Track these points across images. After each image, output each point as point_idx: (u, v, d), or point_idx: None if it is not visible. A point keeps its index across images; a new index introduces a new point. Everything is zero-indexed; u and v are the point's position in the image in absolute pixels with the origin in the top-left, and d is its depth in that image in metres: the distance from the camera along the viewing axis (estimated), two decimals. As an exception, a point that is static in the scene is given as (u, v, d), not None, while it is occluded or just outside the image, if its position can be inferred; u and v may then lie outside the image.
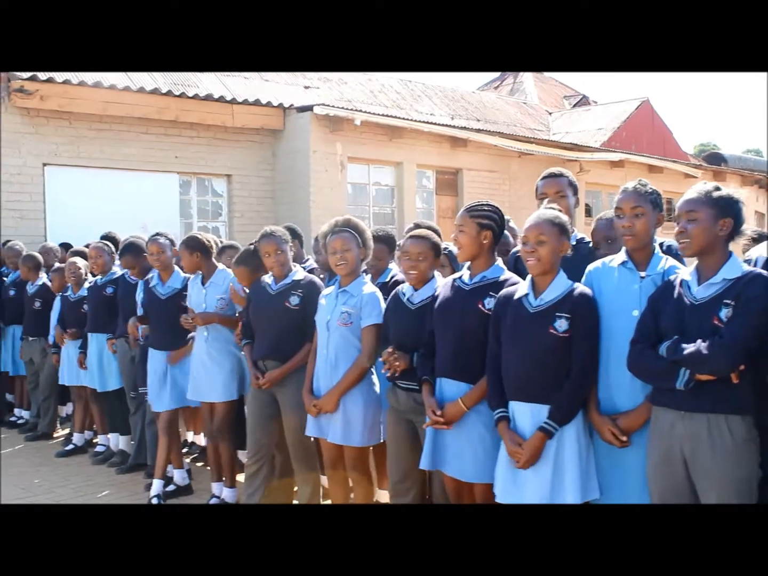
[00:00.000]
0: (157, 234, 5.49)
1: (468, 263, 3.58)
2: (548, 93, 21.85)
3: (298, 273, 4.61)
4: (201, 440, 6.43)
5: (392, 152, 12.98)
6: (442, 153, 13.62)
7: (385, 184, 13.36)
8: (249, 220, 11.78)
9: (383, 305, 4.08)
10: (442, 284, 3.70)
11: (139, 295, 5.76)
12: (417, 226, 4.18)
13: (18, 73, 9.81)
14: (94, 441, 6.93)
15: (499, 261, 3.58)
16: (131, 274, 5.93)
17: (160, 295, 5.46)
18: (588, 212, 16.10)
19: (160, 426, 5.47)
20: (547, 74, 23.29)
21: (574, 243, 3.50)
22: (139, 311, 5.71)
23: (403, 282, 4.47)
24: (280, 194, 12.24)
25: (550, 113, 20.00)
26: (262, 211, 12.07)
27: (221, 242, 5.77)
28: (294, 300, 4.46)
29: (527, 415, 3.12)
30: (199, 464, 6.33)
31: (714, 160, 21.34)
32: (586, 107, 20.85)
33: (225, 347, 5.06)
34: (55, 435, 7.49)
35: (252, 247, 4.77)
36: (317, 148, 11.96)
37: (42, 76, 9.93)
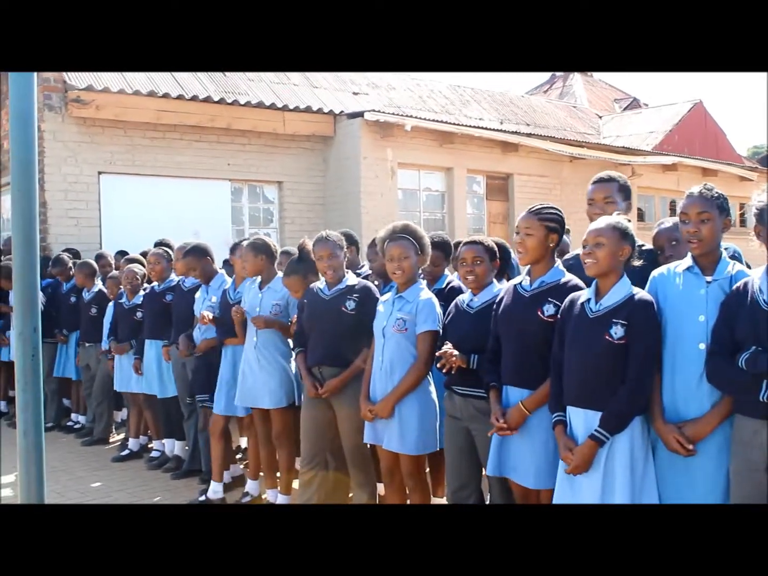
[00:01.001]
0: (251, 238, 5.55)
1: (527, 267, 3.57)
2: (598, 96, 21.61)
3: (351, 278, 4.61)
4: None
5: (442, 157, 12.95)
6: (492, 158, 13.55)
7: (436, 189, 13.33)
8: (299, 226, 11.84)
9: (440, 312, 4.07)
10: (504, 289, 3.71)
11: (204, 302, 5.79)
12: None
13: (74, 83, 10.01)
14: (150, 446, 7.01)
15: (559, 263, 3.57)
16: (194, 276, 5.92)
17: (231, 300, 5.50)
18: (640, 217, 15.86)
19: (214, 430, 5.51)
20: (596, 76, 23.05)
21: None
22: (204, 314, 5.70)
23: (459, 288, 4.50)
24: (330, 201, 12.29)
25: (600, 117, 19.77)
26: (312, 218, 12.13)
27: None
28: (350, 304, 4.45)
29: (581, 420, 3.12)
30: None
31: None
32: (636, 110, 20.57)
33: (274, 354, 5.08)
34: (110, 440, 7.60)
35: (297, 256, 4.84)
36: (368, 154, 11.98)
37: (97, 85, 10.12)
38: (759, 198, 2.94)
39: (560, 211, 3.55)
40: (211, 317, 5.38)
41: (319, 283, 4.64)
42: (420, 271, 4.31)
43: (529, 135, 14.13)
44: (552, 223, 3.46)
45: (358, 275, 4.94)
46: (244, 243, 5.39)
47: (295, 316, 4.86)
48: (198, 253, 5.82)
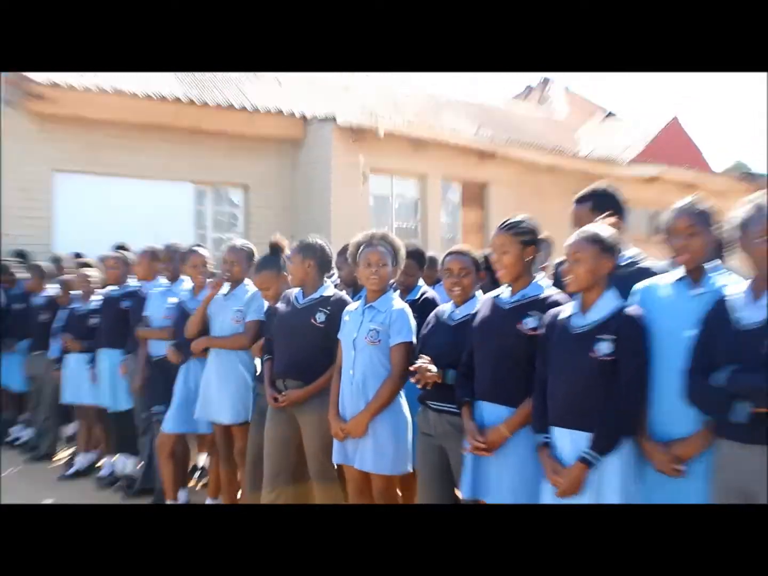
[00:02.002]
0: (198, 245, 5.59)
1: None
2: (576, 107, 21.79)
3: (329, 289, 4.56)
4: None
5: (416, 164, 12.94)
6: (468, 165, 13.57)
7: (409, 197, 13.31)
8: (266, 232, 11.62)
9: (413, 323, 4.06)
10: (482, 302, 3.71)
11: (162, 306, 5.72)
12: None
13: (30, 75, 9.80)
14: (98, 464, 6.82)
15: (540, 277, 3.58)
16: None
17: (190, 311, 5.40)
18: (619, 230, 15.97)
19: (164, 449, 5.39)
20: (573, 90, 23.27)
21: (626, 262, 3.44)
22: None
23: (433, 300, 4.50)
24: (298, 206, 12.22)
25: (578, 129, 19.93)
26: (279, 223, 12.02)
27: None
28: (320, 317, 4.40)
29: (568, 442, 3.09)
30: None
31: (748, 179, 21.21)
32: (614, 121, 20.78)
33: (235, 364, 5.04)
34: (56, 457, 7.39)
35: (269, 251, 4.85)
36: (339, 158, 11.92)
37: (56, 79, 9.92)
38: (743, 209, 2.92)
39: (532, 222, 3.55)
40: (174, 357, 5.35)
41: (296, 290, 4.58)
42: (392, 282, 4.28)
43: (506, 143, 14.16)
44: (526, 236, 3.49)
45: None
46: (199, 249, 5.43)
47: (262, 341, 4.78)
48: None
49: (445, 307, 3.98)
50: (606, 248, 3.14)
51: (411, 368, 3.73)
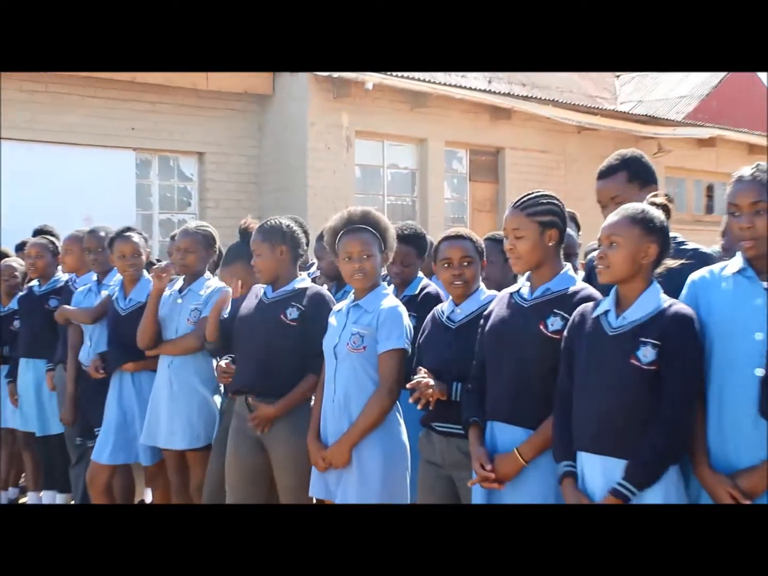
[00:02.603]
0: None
1: (527, 273, 3.57)
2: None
3: (305, 281, 4.56)
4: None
5: (414, 125, 12.96)
6: (478, 127, 13.61)
7: (405, 166, 13.35)
8: (226, 212, 11.78)
9: (409, 325, 4.05)
10: (496, 300, 3.69)
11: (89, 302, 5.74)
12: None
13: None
14: (22, 501, 6.87)
15: (568, 267, 3.56)
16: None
17: (121, 311, 5.44)
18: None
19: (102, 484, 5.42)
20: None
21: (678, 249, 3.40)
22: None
23: (437, 296, 4.54)
24: (267, 179, 12.26)
25: (618, 76, 19.98)
26: (243, 200, 12.08)
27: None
28: (292, 313, 4.38)
29: (598, 471, 3.08)
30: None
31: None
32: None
33: (192, 379, 5.07)
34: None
35: (239, 238, 4.88)
36: (317, 119, 11.95)
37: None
38: None
39: (555, 199, 3.54)
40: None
41: (263, 284, 4.60)
42: (384, 273, 4.30)
43: (525, 98, 14.19)
44: (547, 216, 3.46)
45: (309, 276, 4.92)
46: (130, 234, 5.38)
47: (225, 361, 4.77)
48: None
49: (442, 307, 4.00)
50: (652, 230, 3.12)
51: (408, 385, 3.74)
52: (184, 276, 5.22)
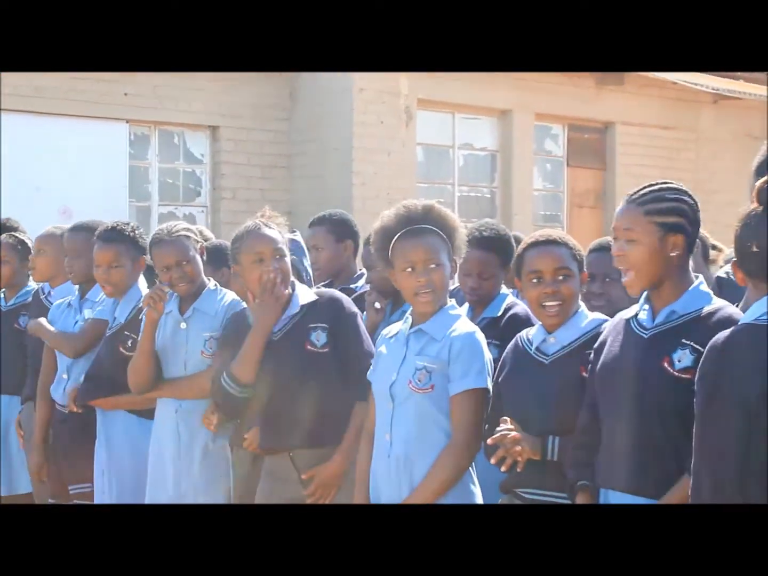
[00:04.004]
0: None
1: (644, 294, 3.56)
2: None
3: (303, 292, 4.60)
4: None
5: (494, 93, 12.97)
6: (579, 95, 13.57)
7: (482, 147, 13.35)
8: (246, 204, 11.79)
9: (489, 357, 4.02)
10: (609, 328, 3.68)
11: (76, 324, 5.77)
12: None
13: None
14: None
15: (701, 281, 3.54)
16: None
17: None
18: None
19: None
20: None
21: None
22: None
23: (527, 318, 4.49)
24: (299, 161, 12.34)
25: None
26: (267, 190, 12.14)
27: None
28: (318, 337, 4.41)
29: None
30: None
31: None
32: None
33: (208, 432, 5.07)
34: None
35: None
36: (366, 84, 12.00)
37: None
38: None
39: (686, 194, 3.53)
40: None
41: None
42: (453, 287, 4.32)
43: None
44: (671, 218, 3.45)
45: (353, 291, 4.91)
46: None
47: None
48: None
49: (528, 334, 3.99)
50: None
51: (489, 441, 3.74)
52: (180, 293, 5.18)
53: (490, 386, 3.95)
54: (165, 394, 5.16)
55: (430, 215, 4.06)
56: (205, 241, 5.46)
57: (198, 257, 5.13)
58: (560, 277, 3.83)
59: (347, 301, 4.56)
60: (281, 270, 4.61)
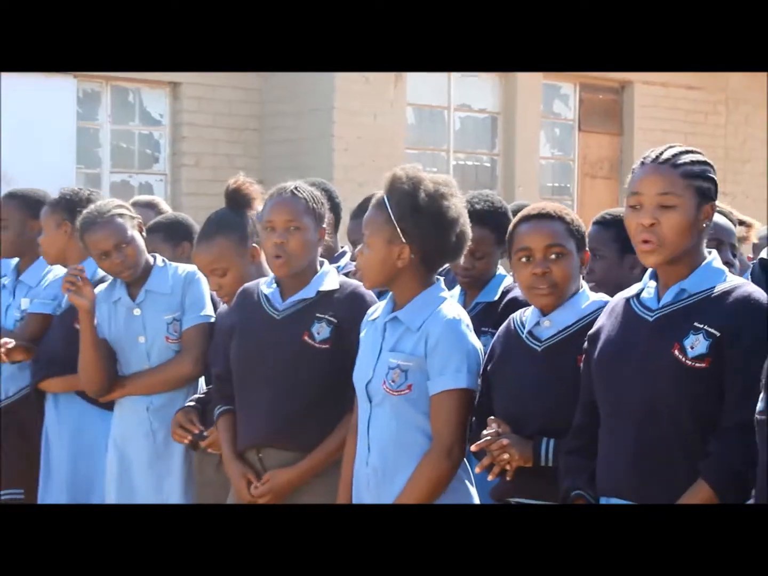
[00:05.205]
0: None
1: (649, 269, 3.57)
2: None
3: (330, 277, 4.54)
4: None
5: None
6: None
7: (481, 108, 13.37)
8: (211, 171, 11.78)
9: (479, 347, 4.04)
10: (607, 310, 3.67)
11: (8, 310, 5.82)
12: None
13: None
14: None
15: (714, 257, 3.54)
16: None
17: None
18: None
19: None
20: None
21: None
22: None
23: (524, 300, 4.41)
24: (273, 123, 12.37)
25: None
26: (236, 156, 12.12)
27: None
28: (321, 330, 4.39)
29: None
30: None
31: None
32: None
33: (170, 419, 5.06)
34: None
35: (227, 203, 4.90)
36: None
37: None
38: None
39: (707, 162, 3.52)
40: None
41: (264, 284, 4.60)
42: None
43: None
44: (707, 183, 3.45)
45: (338, 270, 4.93)
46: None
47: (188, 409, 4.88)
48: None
49: (522, 315, 3.99)
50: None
51: (473, 447, 3.76)
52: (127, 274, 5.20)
53: (476, 385, 3.95)
54: (131, 391, 5.19)
55: (419, 184, 4.01)
56: (161, 214, 5.49)
57: (137, 235, 5.14)
58: (552, 256, 3.81)
59: (370, 300, 4.44)
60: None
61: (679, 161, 3.42)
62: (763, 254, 4.01)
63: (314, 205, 4.51)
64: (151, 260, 5.23)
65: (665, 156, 3.42)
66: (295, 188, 4.48)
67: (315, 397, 4.42)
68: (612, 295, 3.77)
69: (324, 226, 4.56)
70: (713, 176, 3.48)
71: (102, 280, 5.36)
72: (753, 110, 14.11)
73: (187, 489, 5.10)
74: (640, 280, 3.63)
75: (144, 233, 5.26)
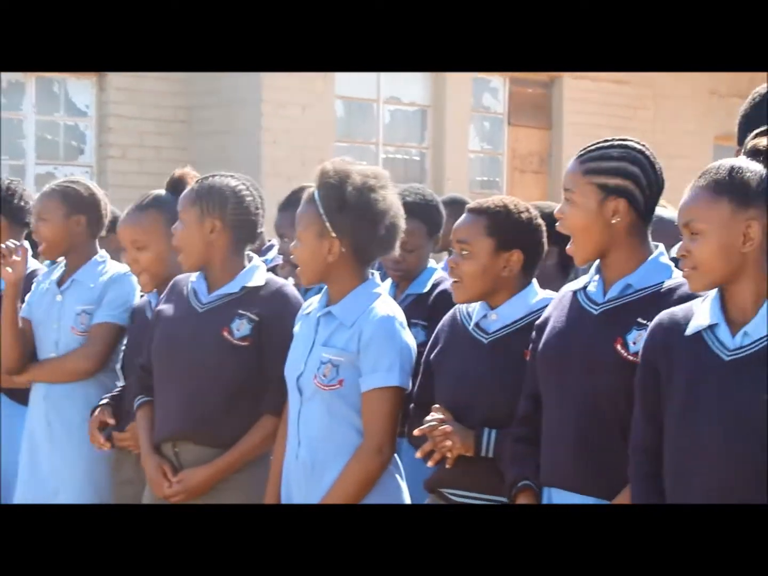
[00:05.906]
0: None
1: (595, 263, 3.55)
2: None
3: (258, 273, 4.52)
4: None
5: (425, 40, 13.02)
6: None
7: (411, 101, 13.38)
8: (138, 164, 11.75)
9: (411, 343, 4.05)
10: (554, 302, 3.67)
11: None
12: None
13: None
14: None
15: (660, 252, 3.53)
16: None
17: None
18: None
19: None
20: None
21: None
22: None
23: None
24: (201, 115, 12.31)
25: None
26: (164, 147, 12.07)
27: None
28: (240, 326, 4.37)
29: None
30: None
31: None
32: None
33: (80, 418, 5.08)
34: None
35: (167, 189, 4.86)
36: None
37: None
38: None
39: (637, 153, 3.48)
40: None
41: (194, 277, 4.59)
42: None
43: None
44: (613, 180, 3.44)
45: (266, 263, 4.90)
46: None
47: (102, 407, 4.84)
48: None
49: (469, 308, 3.98)
50: (742, 202, 3.01)
51: (416, 431, 3.76)
52: (63, 261, 5.23)
53: (407, 384, 3.97)
54: (33, 377, 5.18)
55: (344, 176, 4.05)
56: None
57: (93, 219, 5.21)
58: (464, 252, 3.86)
59: (295, 301, 4.47)
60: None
61: (587, 158, 3.49)
62: (672, 252, 3.97)
63: (235, 204, 4.53)
64: (95, 254, 5.25)
65: (581, 153, 3.52)
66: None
67: (232, 393, 4.41)
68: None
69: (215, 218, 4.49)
70: (633, 173, 3.45)
71: (33, 274, 5.35)
72: (680, 105, 14.20)
73: (83, 486, 5.09)
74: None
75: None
